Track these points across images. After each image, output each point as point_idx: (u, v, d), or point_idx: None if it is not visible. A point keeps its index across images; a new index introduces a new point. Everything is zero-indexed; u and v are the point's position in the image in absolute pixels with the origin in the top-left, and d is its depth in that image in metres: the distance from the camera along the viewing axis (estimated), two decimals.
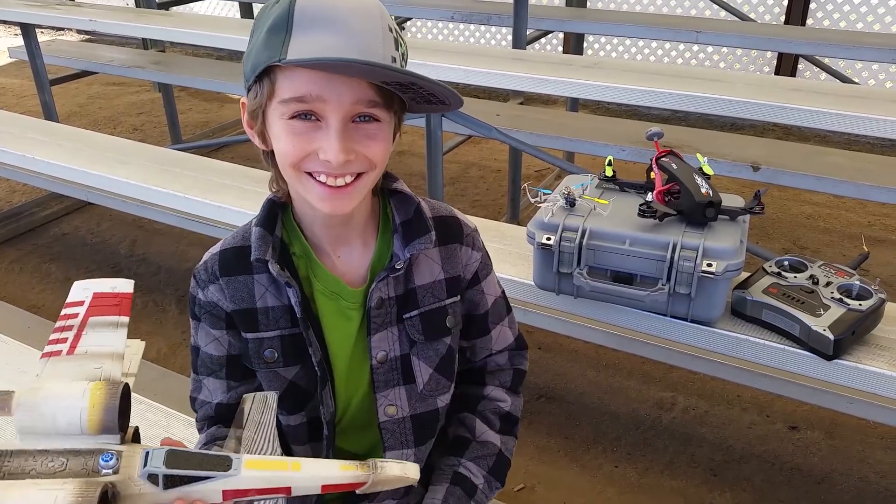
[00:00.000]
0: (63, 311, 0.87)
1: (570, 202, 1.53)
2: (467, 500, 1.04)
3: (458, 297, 1.04)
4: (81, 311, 0.87)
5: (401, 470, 0.77)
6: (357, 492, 0.77)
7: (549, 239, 1.49)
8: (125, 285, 0.90)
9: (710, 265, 1.38)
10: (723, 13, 4.60)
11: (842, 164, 2.59)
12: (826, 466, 2.21)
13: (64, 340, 0.83)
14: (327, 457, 1.01)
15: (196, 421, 1.07)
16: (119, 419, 0.73)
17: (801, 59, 4.76)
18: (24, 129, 2.80)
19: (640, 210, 1.48)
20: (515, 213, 3.43)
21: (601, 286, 1.48)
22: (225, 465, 0.74)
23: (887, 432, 2.33)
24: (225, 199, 2.05)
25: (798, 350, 1.42)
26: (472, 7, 3.77)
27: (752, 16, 4.76)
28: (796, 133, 4.71)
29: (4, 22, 8.47)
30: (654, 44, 5.29)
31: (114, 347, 0.83)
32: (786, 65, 4.83)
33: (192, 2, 5.04)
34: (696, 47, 5.16)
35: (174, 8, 5.04)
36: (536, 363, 2.16)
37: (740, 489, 2.13)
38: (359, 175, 0.87)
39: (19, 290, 3.19)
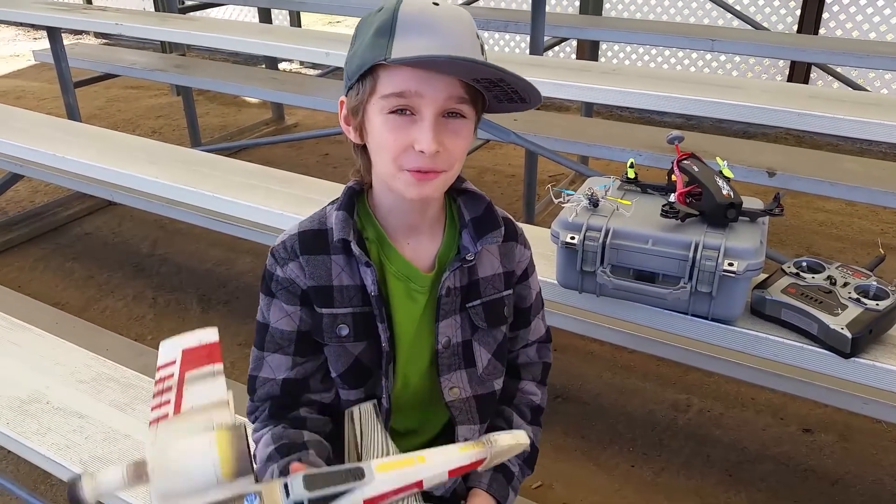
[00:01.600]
0: (157, 375, 0.88)
1: (594, 203, 1.57)
2: (507, 486, 1.13)
3: (511, 290, 1.12)
4: (175, 369, 0.88)
5: (513, 438, 0.82)
6: (479, 469, 0.82)
7: (573, 238, 1.54)
8: (210, 335, 0.91)
9: (731, 264, 1.42)
10: (736, 22, 4.64)
11: (855, 171, 2.63)
12: (840, 469, 2.24)
13: (168, 402, 0.84)
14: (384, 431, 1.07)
15: (252, 401, 1.10)
16: (249, 463, 0.76)
17: (813, 69, 4.80)
18: (52, 129, 2.87)
19: (662, 211, 1.52)
20: (531, 216, 3.47)
21: (624, 284, 1.52)
22: (358, 474, 0.77)
23: None
24: (255, 199, 2.10)
25: (816, 348, 1.46)
26: (490, 14, 3.82)
27: (765, 25, 4.80)
28: (809, 141, 4.74)
29: (28, 25, 8.60)
30: (667, 52, 5.34)
31: (218, 396, 0.84)
32: (798, 73, 4.87)
33: (210, 7, 5.11)
34: (709, 56, 5.20)
35: (192, 13, 5.12)
36: (553, 364, 2.22)
37: (755, 489, 2.16)
38: (440, 172, 0.96)
39: (43, 288, 3.25)
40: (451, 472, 0.80)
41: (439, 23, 0.90)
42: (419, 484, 0.78)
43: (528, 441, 0.84)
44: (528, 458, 1.18)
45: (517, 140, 2.73)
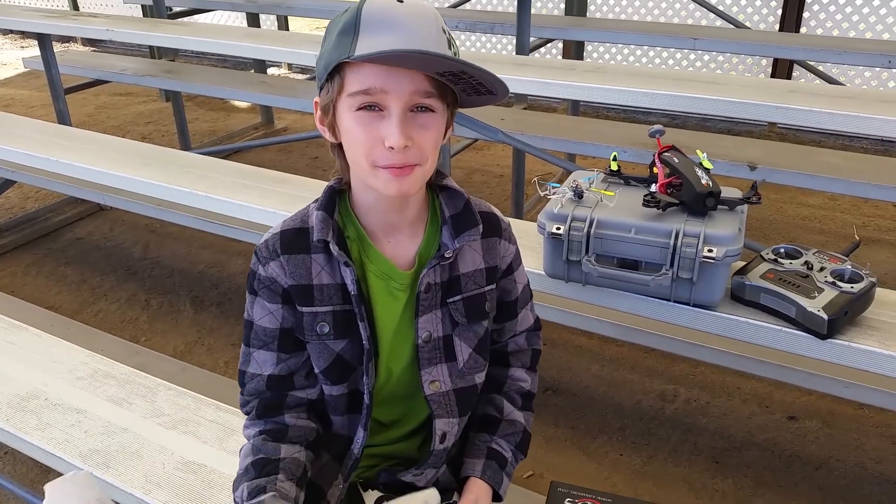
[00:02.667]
0: None
1: (579, 194, 1.62)
2: (500, 471, 1.16)
3: (494, 285, 1.14)
4: None
5: None
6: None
7: (558, 229, 1.58)
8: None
9: (710, 251, 1.47)
10: (719, 22, 4.72)
11: (836, 164, 2.69)
12: (824, 454, 2.29)
13: None
14: (364, 426, 1.10)
15: (242, 395, 1.13)
16: None
17: (795, 67, 4.88)
18: (45, 134, 2.89)
19: (644, 201, 1.57)
20: (519, 214, 3.52)
21: (609, 272, 1.56)
22: None
23: (882, 421, 2.41)
24: (249, 199, 2.13)
25: (794, 330, 1.51)
26: (476, 16, 3.87)
27: (747, 24, 4.88)
28: (792, 139, 4.82)
29: (16, 33, 8.60)
30: (651, 52, 5.41)
31: None
32: (780, 71, 4.95)
33: (199, 13, 5.14)
34: (692, 55, 5.27)
35: (181, 19, 5.15)
36: (543, 358, 2.26)
37: (741, 475, 2.21)
38: (414, 167, 0.97)
39: (37, 292, 3.27)
40: None
41: (402, 19, 0.91)
42: None
43: None
44: (521, 443, 1.20)
45: (504, 139, 2.77)
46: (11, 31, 8.68)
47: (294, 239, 1.06)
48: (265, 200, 2.11)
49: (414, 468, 1.14)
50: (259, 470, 1.04)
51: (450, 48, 0.96)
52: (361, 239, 1.07)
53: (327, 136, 1.04)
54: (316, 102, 1.03)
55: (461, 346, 1.11)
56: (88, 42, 7.76)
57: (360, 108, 0.95)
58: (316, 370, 1.09)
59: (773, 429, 2.40)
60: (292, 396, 1.10)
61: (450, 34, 0.97)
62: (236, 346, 2.75)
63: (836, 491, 2.15)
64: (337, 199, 1.08)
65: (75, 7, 7.87)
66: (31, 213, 3.98)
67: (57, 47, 6.26)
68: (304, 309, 1.06)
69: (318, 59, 1.00)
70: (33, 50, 7.78)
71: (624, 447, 2.33)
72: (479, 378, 1.16)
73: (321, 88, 1.00)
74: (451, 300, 1.09)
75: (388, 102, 0.93)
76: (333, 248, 1.02)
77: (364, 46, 0.91)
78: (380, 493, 1.13)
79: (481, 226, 1.09)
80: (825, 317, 1.44)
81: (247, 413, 1.14)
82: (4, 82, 6.99)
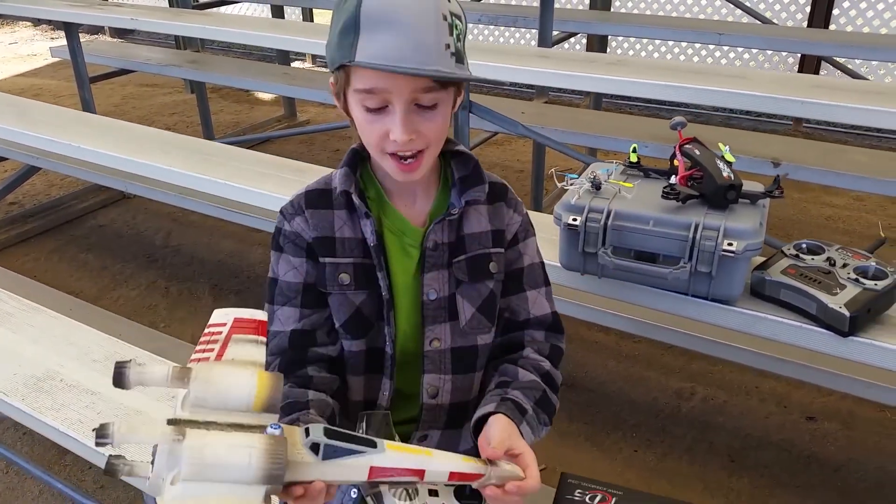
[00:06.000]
0: (206, 331, 0.94)
1: (596, 185, 1.60)
2: (519, 415, 1.04)
3: (503, 249, 1.16)
4: (224, 329, 0.93)
5: (513, 470, 0.91)
6: (473, 485, 0.90)
7: (575, 220, 1.57)
8: (262, 315, 0.97)
9: (730, 244, 1.44)
10: (745, 19, 4.65)
11: (862, 162, 2.64)
12: (843, 455, 2.25)
13: (210, 350, 0.89)
14: (390, 375, 1.13)
15: (265, 355, 1.15)
16: (279, 404, 0.82)
17: (823, 66, 4.80)
18: (70, 121, 2.93)
19: (663, 193, 1.54)
20: (538, 209, 3.50)
21: (625, 264, 1.54)
22: (371, 444, 0.83)
23: None
24: (267, 187, 2.15)
25: (814, 327, 1.48)
26: (498, 10, 3.85)
27: (774, 22, 4.80)
28: (818, 137, 4.74)
29: (46, 23, 8.72)
30: (676, 49, 5.35)
31: (257, 358, 0.89)
32: (808, 69, 4.87)
33: (224, 5, 5.17)
34: (718, 52, 5.21)
35: (207, 10, 5.18)
36: None
37: (758, 475, 2.18)
38: (421, 152, 1.03)
39: (58, 278, 3.31)
40: (451, 475, 0.88)
41: (401, 12, 0.93)
42: (420, 473, 0.85)
43: (522, 477, 0.92)
44: (545, 405, 1.10)
45: (525, 132, 2.76)
46: (42, 23, 8.80)
47: (318, 197, 1.13)
48: (284, 189, 2.11)
49: (415, 430, 1.16)
50: (288, 411, 1.05)
51: (451, 34, 0.96)
52: (380, 198, 1.13)
53: (344, 112, 1.08)
54: (332, 83, 1.07)
55: (464, 305, 1.13)
56: (116, 33, 7.84)
57: (366, 104, 1.00)
58: (337, 324, 1.13)
59: (791, 429, 2.37)
60: (313, 352, 1.13)
61: (453, 17, 0.97)
62: None
63: (855, 494, 2.11)
64: (359, 160, 1.13)
65: None
66: (55, 199, 4.03)
67: (85, 38, 6.32)
68: (327, 260, 1.11)
69: (326, 46, 1.03)
70: (63, 41, 7.91)
71: (639, 444, 2.31)
72: (482, 339, 1.16)
73: (332, 72, 1.04)
74: (455, 260, 1.12)
75: (392, 100, 0.98)
76: (355, 198, 1.08)
77: (364, 48, 0.94)
78: None
79: (487, 185, 1.13)
80: (847, 314, 1.41)
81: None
82: (34, 72, 7.08)
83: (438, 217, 1.11)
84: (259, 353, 0.90)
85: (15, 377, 1.76)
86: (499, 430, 0.99)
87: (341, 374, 1.15)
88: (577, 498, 1.17)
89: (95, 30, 7.99)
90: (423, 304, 1.12)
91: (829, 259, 1.54)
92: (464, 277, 1.13)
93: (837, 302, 1.43)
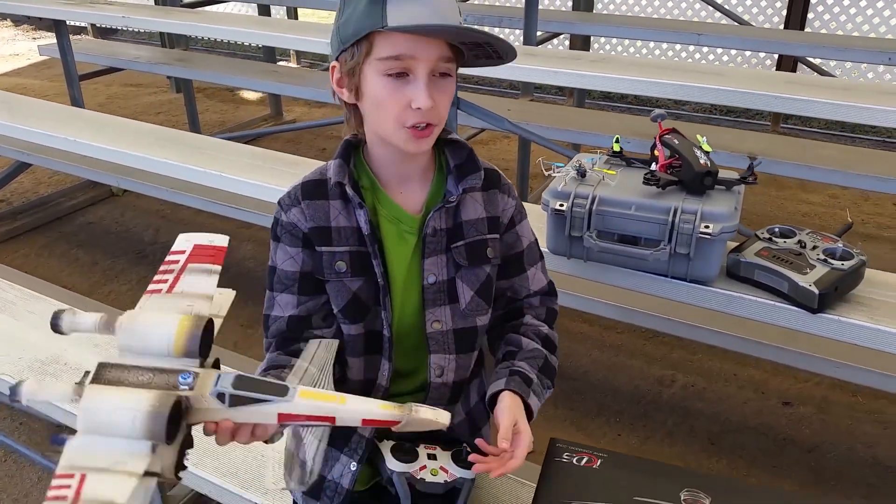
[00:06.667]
0: (167, 258, 1.00)
1: (581, 173, 1.68)
2: (526, 387, 1.16)
3: (498, 235, 1.22)
4: (182, 258, 0.99)
5: (433, 415, 0.90)
6: (392, 429, 0.90)
7: (561, 205, 1.64)
8: (221, 240, 1.02)
9: (707, 227, 1.53)
10: (724, 20, 4.78)
11: (834, 157, 2.75)
12: (817, 438, 2.35)
13: (165, 281, 0.96)
14: (389, 357, 1.18)
15: (266, 337, 1.20)
16: (200, 347, 0.86)
17: (799, 67, 4.93)
18: (62, 116, 2.96)
19: (644, 179, 1.63)
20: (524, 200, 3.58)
21: (609, 247, 1.62)
22: (282, 392, 0.87)
23: (876, 408, 2.47)
24: (263, 179, 2.20)
25: (786, 305, 1.57)
26: (484, 10, 3.94)
27: (752, 24, 4.93)
28: (793, 135, 4.87)
29: (29, 23, 8.70)
30: (657, 50, 5.47)
31: (206, 290, 0.96)
32: (785, 70, 5.00)
33: (211, 4, 5.21)
34: (697, 54, 5.33)
35: (195, 9, 5.22)
36: None
37: (736, 456, 2.27)
38: (433, 126, 1.08)
39: (49, 273, 3.34)
40: (364, 421, 0.89)
41: None
42: (332, 419, 0.88)
43: (446, 423, 0.90)
44: (547, 371, 1.22)
45: (510, 128, 2.84)
46: (24, 22, 8.78)
47: (313, 188, 1.16)
48: (278, 181, 2.18)
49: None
50: (271, 371, 1.10)
51: (460, 16, 1.05)
52: (374, 187, 1.17)
53: (345, 97, 1.12)
54: (333, 66, 1.11)
55: (463, 289, 1.18)
56: (100, 32, 7.84)
57: (388, 74, 1.03)
58: (335, 309, 1.17)
59: (769, 414, 2.46)
60: (309, 333, 1.17)
61: (459, 4, 1.06)
62: (245, 327, 2.83)
63: (827, 473, 2.20)
64: (352, 151, 1.17)
65: None
66: (43, 197, 4.06)
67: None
68: (323, 249, 1.14)
69: (341, 24, 1.07)
70: (46, 41, 7.87)
71: (622, 428, 2.39)
72: (481, 321, 1.22)
73: (342, 52, 1.08)
74: (454, 245, 1.17)
75: (416, 68, 1.03)
76: (349, 189, 1.12)
77: (395, 16, 1.00)
78: (394, 442, 1.18)
79: (482, 172, 1.18)
80: (816, 291, 1.50)
81: (267, 351, 1.21)
82: (17, 72, 7.08)
83: (437, 204, 1.15)
84: (209, 285, 0.95)
85: (20, 360, 1.81)
86: (507, 413, 1.10)
87: (339, 355, 1.19)
88: (564, 459, 1.24)
89: (78, 30, 7.99)
90: (424, 288, 1.17)
91: (799, 242, 1.63)
92: (463, 262, 1.18)
93: (807, 280, 1.52)
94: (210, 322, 0.89)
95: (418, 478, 1.14)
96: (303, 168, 2.38)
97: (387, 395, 1.20)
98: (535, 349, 1.23)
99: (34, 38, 8.38)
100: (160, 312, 0.91)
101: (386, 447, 1.17)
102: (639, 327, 2.86)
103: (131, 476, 0.80)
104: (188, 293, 0.95)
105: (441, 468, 1.16)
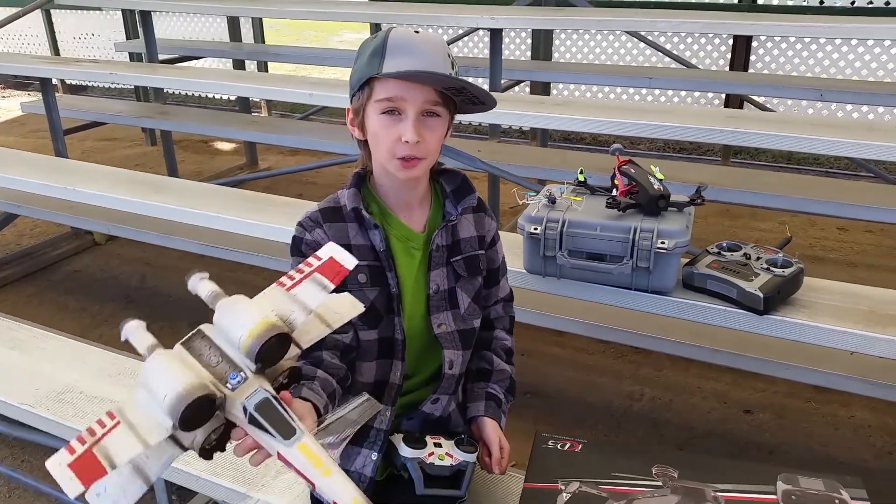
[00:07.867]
0: (308, 259, 1.07)
1: (552, 200, 1.89)
2: (498, 409, 1.45)
3: (484, 251, 1.44)
4: (316, 265, 1.06)
5: None
6: None
7: (536, 229, 1.85)
8: (350, 262, 1.07)
9: (663, 243, 1.74)
10: (674, 65, 5.12)
11: (782, 185, 3.02)
12: (776, 441, 2.55)
13: (292, 279, 1.04)
14: (402, 357, 1.35)
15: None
16: (263, 353, 0.92)
17: (745, 106, 5.28)
18: (49, 167, 3.11)
19: (607, 204, 1.85)
20: None
21: (579, 264, 1.83)
22: (289, 434, 0.92)
23: (828, 411, 2.69)
24: (257, 218, 2.36)
25: (736, 309, 1.78)
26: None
27: (699, 67, 5.29)
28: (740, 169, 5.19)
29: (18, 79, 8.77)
30: (612, 94, 5.80)
31: (313, 302, 1.01)
32: (732, 107, 5.34)
33: (188, 60, 5.41)
34: (650, 97, 5.67)
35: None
36: (522, 366, 2.50)
37: None
38: (420, 160, 1.28)
39: (41, 319, 3.40)
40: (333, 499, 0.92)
41: (418, 46, 1.22)
42: (312, 483, 0.92)
43: None
44: (510, 388, 1.49)
45: (482, 166, 3.06)
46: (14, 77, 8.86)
47: (331, 213, 1.36)
48: (272, 219, 2.35)
49: (431, 395, 1.39)
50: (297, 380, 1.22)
51: (452, 69, 1.26)
52: (383, 211, 1.38)
53: (356, 133, 1.34)
54: (348, 109, 1.34)
55: (462, 296, 1.40)
56: (70, 89, 7.97)
57: (383, 112, 1.25)
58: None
59: (732, 421, 2.66)
60: (330, 338, 1.30)
61: (453, 59, 1.28)
62: None
63: (786, 471, 2.39)
64: (361, 183, 1.37)
65: (56, 53, 8.13)
66: (29, 247, 4.16)
67: (36, 95, 6.46)
68: None
69: (351, 74, 1.31)
70: (13, 100, 8.02)
71: (596, 439, 2.56)
72: (476, 323, 1.44)
73: (353, 97, 1.31)
74: (454, 259, 1.39)
75: (406, 108, 1.24)
76: (365, 213, 1.31)
77: (390, 66, 1.22)
78: (403, 434, 1.35)
79: (476, 194, 1.41)
80: (761, 295, 1.72)
81: None
82: None
83: (441, 224, 1.36)
84: (316, 299, 1.03)
85: (38, 392, 1.93)
86: (493, 435, 1.40)
87: (350, 363, 1.35)
88: (549, 446, 1.43)
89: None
90: (429, 296, 1.37)
91: (745, 254, 1.85)
92: (463, 273, 1.40)
93: (753, 286, 1.74)
94: (285, 336, 0.94)
95: (428, 462, 1.31)
96: (293, 208, 2.56)
97: (399, 393, 1.38)
98: (502, 370, 1.49)
99: (3, 97, 8.48)
100: (256, 307, 0.96)
101: (398, 439, 1.34)
102: (608, 348, 3.07)
103: (143, 443, 0.87)
104: (299, 300, 1.01)
105: (447, 454, 1.34)
